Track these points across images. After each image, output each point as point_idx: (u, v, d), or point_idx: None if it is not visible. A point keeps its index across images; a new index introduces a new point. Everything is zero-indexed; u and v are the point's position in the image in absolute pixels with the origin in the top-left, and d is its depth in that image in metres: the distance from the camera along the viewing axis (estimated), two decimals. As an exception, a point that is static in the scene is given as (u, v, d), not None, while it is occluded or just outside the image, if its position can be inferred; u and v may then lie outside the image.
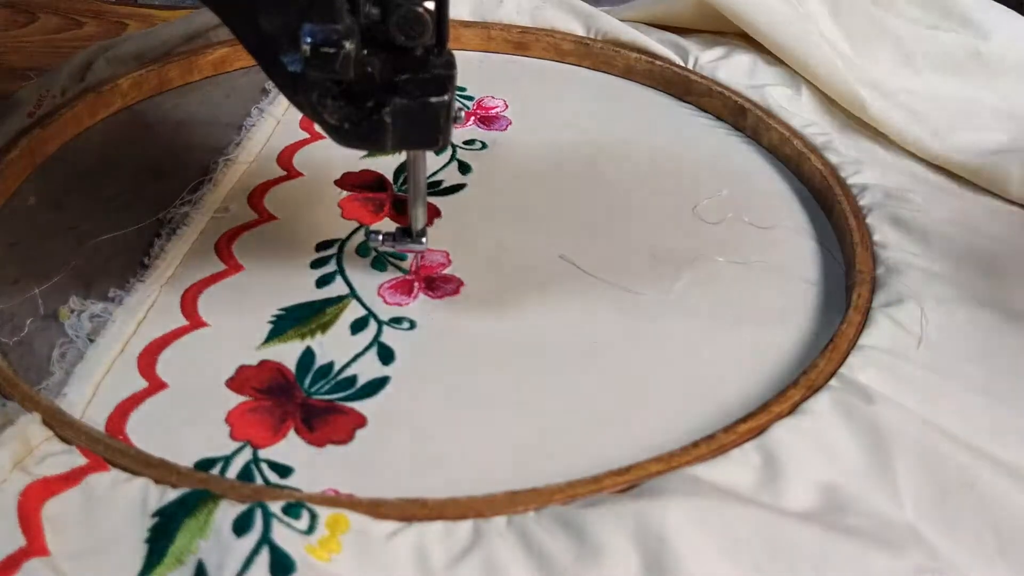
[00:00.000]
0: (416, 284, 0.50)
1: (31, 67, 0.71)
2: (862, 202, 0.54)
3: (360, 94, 0.42)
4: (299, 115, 0.61)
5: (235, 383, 0.44)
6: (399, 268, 0.51)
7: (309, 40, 0.38)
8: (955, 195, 0.56)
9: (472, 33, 0.69)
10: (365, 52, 0.40)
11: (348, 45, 0.38)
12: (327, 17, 0.38)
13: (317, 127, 0.54)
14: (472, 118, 0.63)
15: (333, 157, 0.58)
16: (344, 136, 0.43)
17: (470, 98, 0.65)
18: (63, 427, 0.40)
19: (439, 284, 0.50)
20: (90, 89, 0.61)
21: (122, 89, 0.61)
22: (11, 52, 0.74)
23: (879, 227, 0.52)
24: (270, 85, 0.64)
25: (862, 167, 0.56)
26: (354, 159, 0.58)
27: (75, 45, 0.74)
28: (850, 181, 0.55)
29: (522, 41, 0.69)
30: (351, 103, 0.42)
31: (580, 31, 0.69)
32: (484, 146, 0.60)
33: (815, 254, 0.53)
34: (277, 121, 0.61)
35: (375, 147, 0.44)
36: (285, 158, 0.58)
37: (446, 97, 0.42)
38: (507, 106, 0.64)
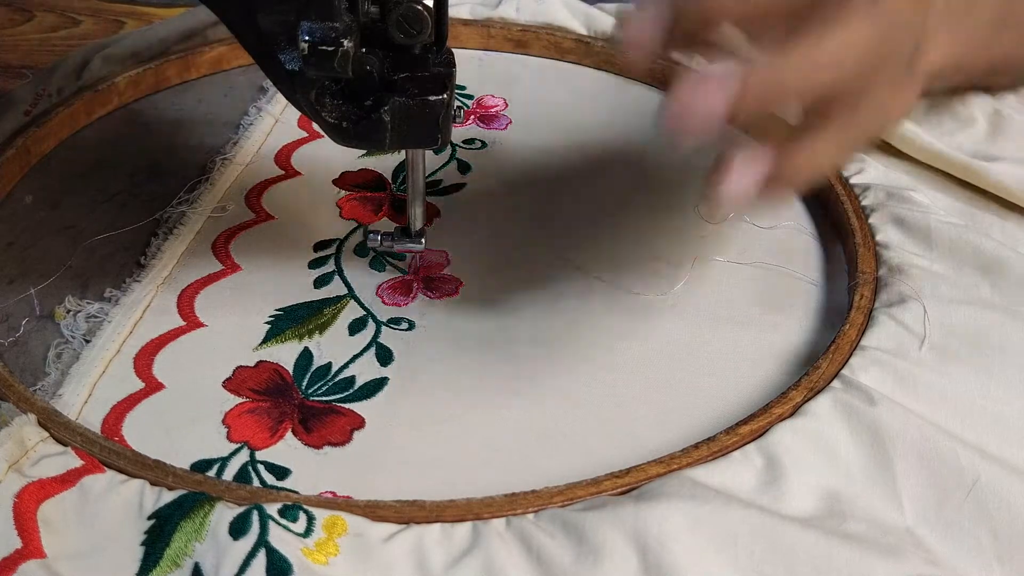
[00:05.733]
0: (415, 284, 0.50)
1: (27, 65, 0.71)
2: (864, 202, 0.53)
3: (359, 92, 0.41)
4: (297, 113, 0.61)
5: (232, 384, 0.44)
6: (398, 268, 0.51)
7: (307, 38, 0.37)
8: (957, 194, 0.56)
9: (472, 31, 0.68)
10: (363, 50, 0.40)
11: (346, 43, 0.37)
12: (325, 15, 0.37)
13: (315, 126, 0.54)
14: (472, 117, 0.62)
15: (332, 156, 0.57)
16: (343, 135, 0.43)
17: (469, 97, 0.64)
18: (59, 428, 0.39)
19: (438, 284, 0.50)
20: (87, 88, 0.60)
21: (119, 88, 0.61)
22: (7, 50, 0.74)
23: (882, 227, 0.51)
24: (268, 83, 0.63)
25: (864, 166, 0.56)
26: (353, 158, 0.58)
27: (72, 43, 0.74)
28: (852, 181, 0.55)
29: (522, 39, 0.68)
30: (350, 101, 0.42)
31: (580, 29, 0.69)
32: (484, 145, 0.60)
33: (817, 254, 0.52)
34: (275, 120, 0.61)
35: (374, 146, 0.44)
36: (283, 157, 0.58)
37: (445, 96, 0.42)
38: (507, 105, 0.64)
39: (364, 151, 0.58)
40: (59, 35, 0.76)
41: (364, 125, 0.42)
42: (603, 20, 0.68)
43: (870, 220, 0.52)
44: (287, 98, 0.44)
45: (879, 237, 0.51)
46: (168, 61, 0.64)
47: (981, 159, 0.56)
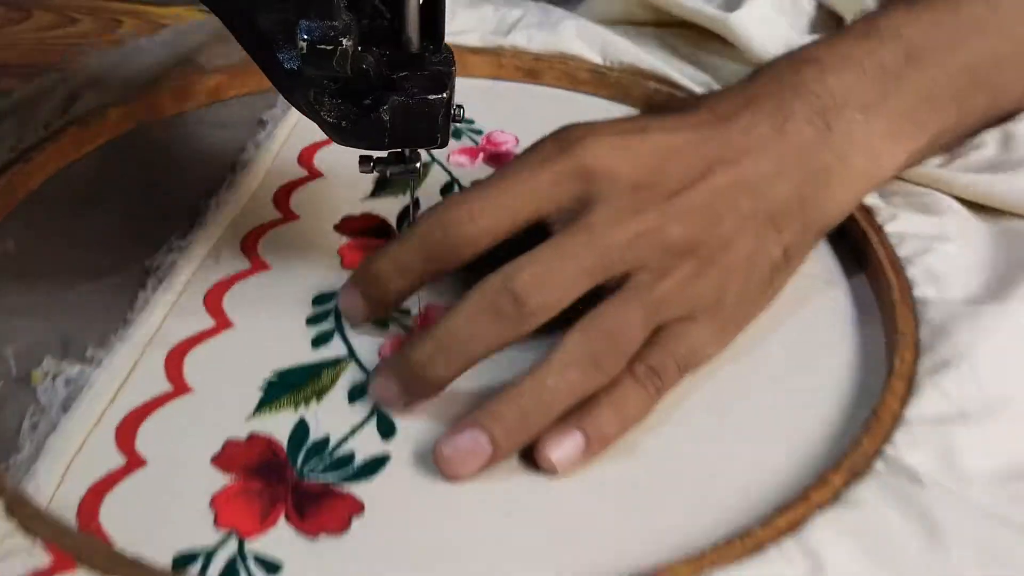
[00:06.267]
0: (420, 343, 0.46)
1: (25, 64, 0.70)
2: (901, 252, 0.50)
3: (358, 92, 0.41)
4: (297, 151, 0.58)
5: (222, 460, 0.40)
6: (402, 325, 0.47)
7: (306, 37, 0.37)
8: (1000, 237, 0.52)
9: (481, 60, 0.65)
10: (361, 49, 0.39)
11: (345, 42, 0.37)
12: (324, 14, 0.37)
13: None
14: (481, 155, 0.59)
15: (333, 199, 0.54)
16: (342, 134, 0.42)
17: (479, 132, 0.61)
18: (28, 519, 0.36)
19: (445, 343, 0.46)
20: (74, 121, 0.57)
21: (109, 121, 0.58)
22: (5, 48, 0.72)
23: (920, 281, 0.48)
24: (267, 116, 0.60)
25: (899, 212, 0.52)
26: (355, 201, 0.54)
27: (69, 42, 0.73)
28: (887, 228, 0.51)
29: (534, 69, 0.65)
30: (349, 101, 0.41)
31: (596, 58, 0.65)
32: (494, 186, 0.56)
33: (849, 311, 0.49)
34: (274, 156, 0.57)
35: (373, 145, 0.43)
36: (281, 199, 0.54)
37: (445, 95, 0.41)
38: (518, 142, 0.60)
39: (367, 195, 0.55)
40: (57, 34, 0.75)
41: (363, 124, 0.41)
42: (620, 47, 0.65)
43: (907, 272, 0.48)
44: (286, 97, 0.43)
45: (917, 292, 0.47)
46: (161, 91, 0.60)
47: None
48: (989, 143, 0.55)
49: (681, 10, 0.67)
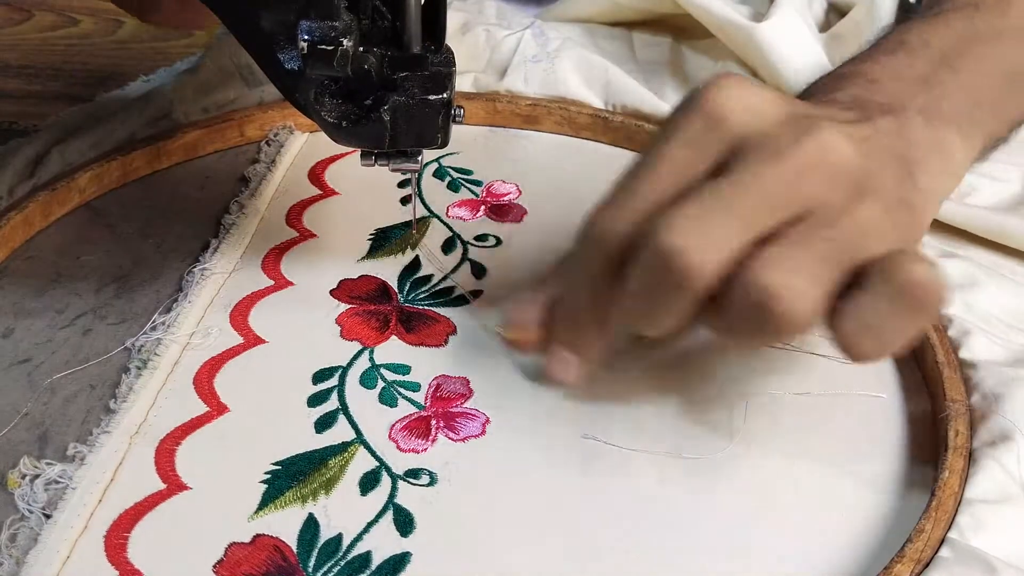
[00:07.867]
0: (434, 422, 0.42)
1: (26, 64, 0.70)
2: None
3: (358, 92, 0.42)
4: (285, 210, 0.54)
5: (226, 567, 0.36)
6: (412, 402, 0.43)
7: (306, 37, 0.37)
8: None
9: (476, 106, 0.61)
10: (362, 50, 0.40)
11: (346, 42, 0.37)
12: (325, 15, 0.38)
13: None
14: (482, 208, 0.55)
15: (327, 261, 0.50)
16: (343, 134, 0.42)
17: (478, 183, 0.57)
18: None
19: (461, 422, 0.43)
20: (42, 186, 0.53)
21: (79, 184, 0.53)
22: (6, 49, 0.72)
23: (965, 342, 0.45)
24: (250, 173, 0.56)
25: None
26: (351, 264, 0.50)
27: (71, 43, 0.74)
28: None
29: (532, 114, 0.61)
30: (349, 101, 0.42)
31: (597, 102, 0.62)
32: (499, 242, 0.53)
33: (891, 376, 0.46)
34: (261, 217, 0.53)
35: (374, 145, 0.43)
36: (272, 263, 0.50)
37: (445, 95, 0.42)
38: (520, 192, 0.57)
39: (363, 255, 0.51)
40: (58, 34, 0.76)
41: (364, 125, 0.42)
42: (624, 89, 0.61)
43: (950, 333, 0.45)
44: (286, 97, 0.43)
45: (963, 354, 0.44)
46: (135, 150, 0.56)
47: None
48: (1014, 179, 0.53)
49: (708, 17, 0.64)
